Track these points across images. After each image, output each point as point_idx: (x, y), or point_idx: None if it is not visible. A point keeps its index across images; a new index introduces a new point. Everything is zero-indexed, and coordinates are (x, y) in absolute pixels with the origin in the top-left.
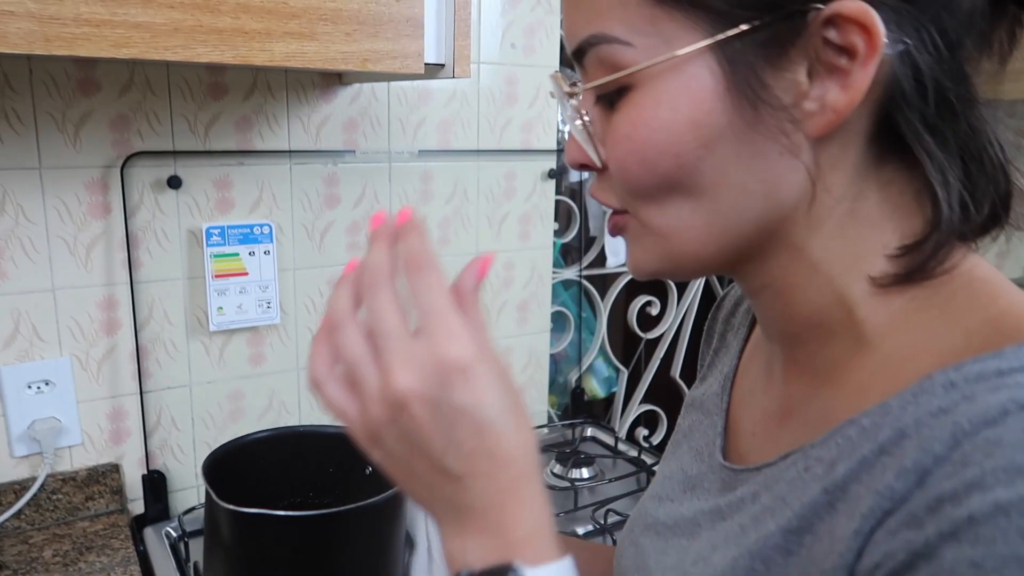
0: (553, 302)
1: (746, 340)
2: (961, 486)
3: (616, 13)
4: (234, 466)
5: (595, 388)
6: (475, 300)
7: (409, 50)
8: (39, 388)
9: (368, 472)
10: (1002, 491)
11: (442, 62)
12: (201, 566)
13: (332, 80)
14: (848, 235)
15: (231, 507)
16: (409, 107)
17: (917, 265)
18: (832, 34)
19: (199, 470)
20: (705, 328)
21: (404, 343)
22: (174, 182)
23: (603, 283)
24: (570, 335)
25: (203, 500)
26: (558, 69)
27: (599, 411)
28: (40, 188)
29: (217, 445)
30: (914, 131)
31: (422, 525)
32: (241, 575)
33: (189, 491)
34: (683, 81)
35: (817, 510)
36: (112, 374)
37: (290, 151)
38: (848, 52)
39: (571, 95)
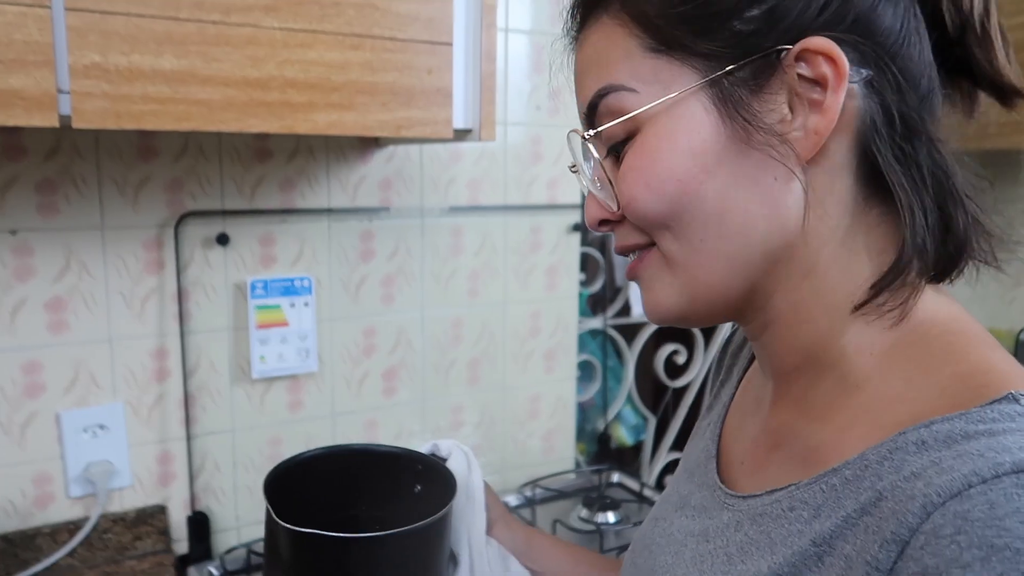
0: (581, 351)
1: (745, 371)
2: (943, 563)
3: (623, 66)
4: (291, 482)
5: (623, 436)
6: None
7: (439, 117)
8: (94, 432)
9: (417, 491)
10: (979, 568)
11: (470, 127)
12: None
13: (369, 143)
14: (842, 267)
15: (288, 526)
16: (440, 166)
17: (886, 290)
18: (804, 69)
19: (239, 512)
20: (715, 360)
21: None
22: (222, 239)
23: (630, 332)
24: (598, 383)
25: (243, 541)
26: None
27: (629, 459)
28: (102, 246)
29: (257, 488)
30: (885, 160)
31: (465, 541)
32: None
33: (230, 532)
34: (680, 117)
35: (806, 561)
36: (161, 420)
37: (329, 209)
38: (820, 83)
39: (585, 154)
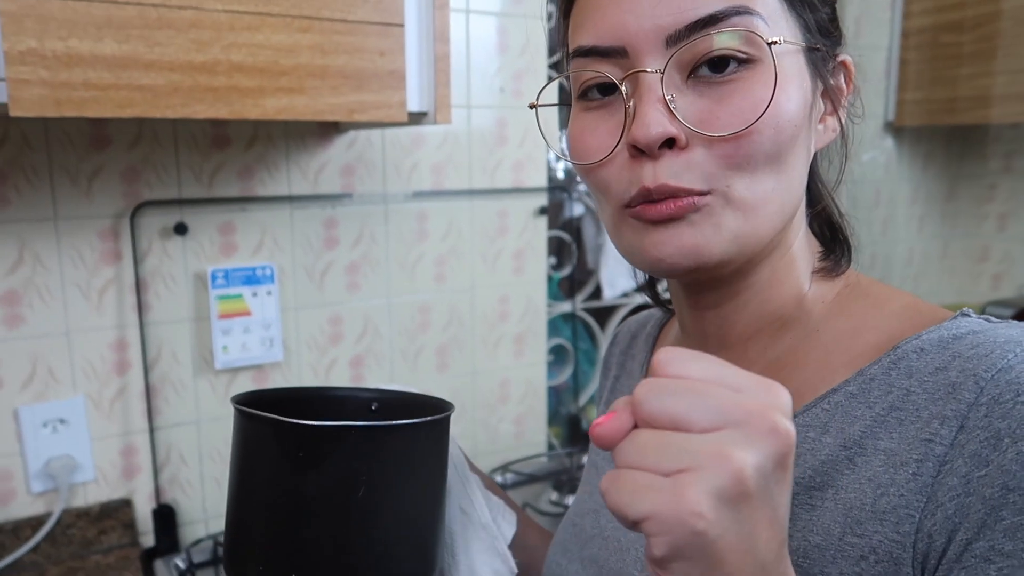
0: (553, 336)
1: (646, 361)
2: (1014, 423)
3: None
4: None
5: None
6: None
7: (393, 100)
8: (54, 427)
9: (374, 408)
10: None
11: (425, 110)
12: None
13: (329, 128)
14: (806, 237)
15: (280, 418)
16: (403, 151)
17: (836, 259)
18: (837, 77)
19: (207, 504)
20: (602, 363)
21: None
22: (181, 228)
23: (603, 316)
24: (570, 367)
25: (210, 533)
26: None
27: None
28: (56, 237)
29: (224, 480)
30: (815, 171)
31: (479, 499)
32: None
33: (197, 524)
34: (798, 66)
35: (836, 464)
36: (123, 412)
37: (290, 196)
38: (838, 94)
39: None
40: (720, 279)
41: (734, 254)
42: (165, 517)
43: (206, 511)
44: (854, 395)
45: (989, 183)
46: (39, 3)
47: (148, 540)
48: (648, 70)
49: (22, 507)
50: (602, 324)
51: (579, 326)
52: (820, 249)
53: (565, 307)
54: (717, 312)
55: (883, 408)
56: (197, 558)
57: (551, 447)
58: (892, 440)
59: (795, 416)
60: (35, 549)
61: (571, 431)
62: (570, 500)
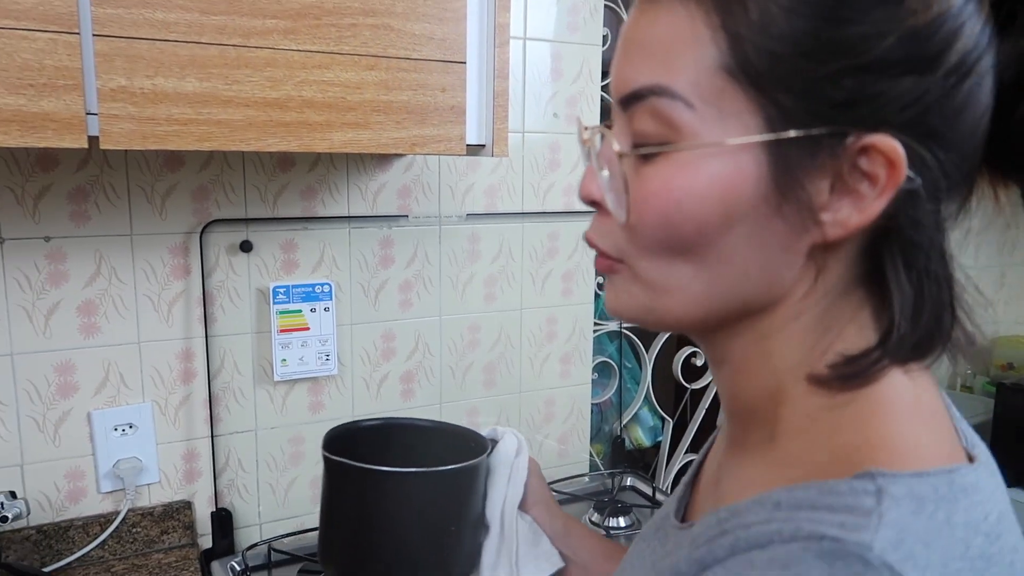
0: (599, 353)
1: None
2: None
3: (688, 73)
4: (342, 444)
5: (640, 437)
6: None
7: (453, 134)
8: (124, 431)
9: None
10: None
11: (483, 143)
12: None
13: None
14: (808, 336)
15: (335, 457)
16: (458, 174)
17: (849, 374)
18: (862, 160)
19: (262, 509)
20: None
21: None
22: (246, 246)
23: (648, 335)
24: (615, 385)
25: (264, 537)
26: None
27: (649, 459)
28: (131, 252)
29: (278, 486)
30: (894, 264)
31: (499, 512)
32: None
33: (252, 528)
34: (729, 161)
35: None
36: (187, 419)
37: (349, 216)
38: (869, 178)
39: (620, 152)
40: (700, 341)
41: (647, 320)
42: (223, 520)
43: (260, 516)
44: (715, 523)
45: None
46: (129, 44)
47: (206, 542)
48: (600, 133)
49: (92, 505)
50: (647, 344)
51: (624, 344)
52: (846, 354)
53: (612, 325)
54: (715, 374)
55: (708, 548)
56: (253, 562)
57: (593, 467)
58: None
59: (697, 524)
60: (102, 545)
61: (614, 450)
62: (611, 522)
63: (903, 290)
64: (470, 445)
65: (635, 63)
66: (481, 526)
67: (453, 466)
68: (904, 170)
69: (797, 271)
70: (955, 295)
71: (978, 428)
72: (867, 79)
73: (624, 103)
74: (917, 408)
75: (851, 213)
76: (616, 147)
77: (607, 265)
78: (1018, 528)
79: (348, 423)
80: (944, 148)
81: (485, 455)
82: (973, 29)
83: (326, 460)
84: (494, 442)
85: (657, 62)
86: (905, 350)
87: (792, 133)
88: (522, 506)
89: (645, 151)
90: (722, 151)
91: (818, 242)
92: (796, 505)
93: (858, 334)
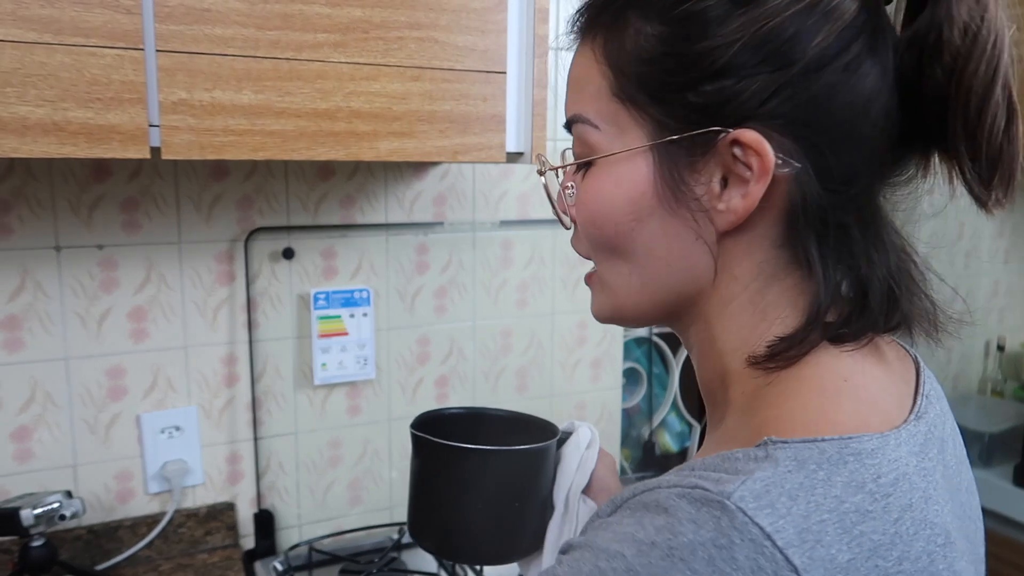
0: (627, 359)
1: None
2: (591, 530)
3: (593, 102)
4: (428, 428)
5: (668, 442)
6: None
7: (494, 142)
8: (171, 433)
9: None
10: (600, 538)
11: (521, 151)
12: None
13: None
14: (745, 320)
15: (423, 435)
16: (492, 182)
17: (779, 354)
18: (738, 152)
19: (302, 511)
20: None
21: None
22: (288, 253)
23: (676, 341)
24: (643, 390)
25: (304, 538)
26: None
27: (674, 464)
28: (179, 260)
29: (318, 488)
30: (803, 244)
31: (564, 495)
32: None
33: (292, 530)
34: (628, 167)
35: None
36: (231, 422)
37: (387, 224)
38: (750, 168)
39: (552, 167)
40: (673, 329)
41: (620, 318)
42: (264, 521)
43: (300, 517)
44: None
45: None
46: (189, 59)
47: (248, 542)
48: (543, 159)
49: (140, 506)
50: (674, 349)
51: (653, 350)
52: (779, 336)
53: (638, 331)
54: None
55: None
56: (294, 562)
57: (623, 471)
58: None
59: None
60: (150, 545)
61: (644, 455)
62: None
63: (816, 270)
64: (545, 433)
65: (568, 96)
66: (548, 506)
67: (529, 446)
68: (770, 156)
69: (714, 258)
70: (893, 272)
71: (1008, 433)
72: (723, 83)
73: (567, 130)
74: (839, 384)
75: (739, 200)
76: (548, 165)
77: (587, 277)
78: (928, 492)
79: (434, 410)
80: (820, 133)
81: (555, 438)
82: (834, 27)
83: (417, 440)
84: (567, 433)
85: (576, 95)
86: (833, 329)
87: (670, 138)
88: (587, 492)
89: (567, 165)
90: (620, 160)
91: (722, 230)
92: (700, 468)
93: (795, 317)
